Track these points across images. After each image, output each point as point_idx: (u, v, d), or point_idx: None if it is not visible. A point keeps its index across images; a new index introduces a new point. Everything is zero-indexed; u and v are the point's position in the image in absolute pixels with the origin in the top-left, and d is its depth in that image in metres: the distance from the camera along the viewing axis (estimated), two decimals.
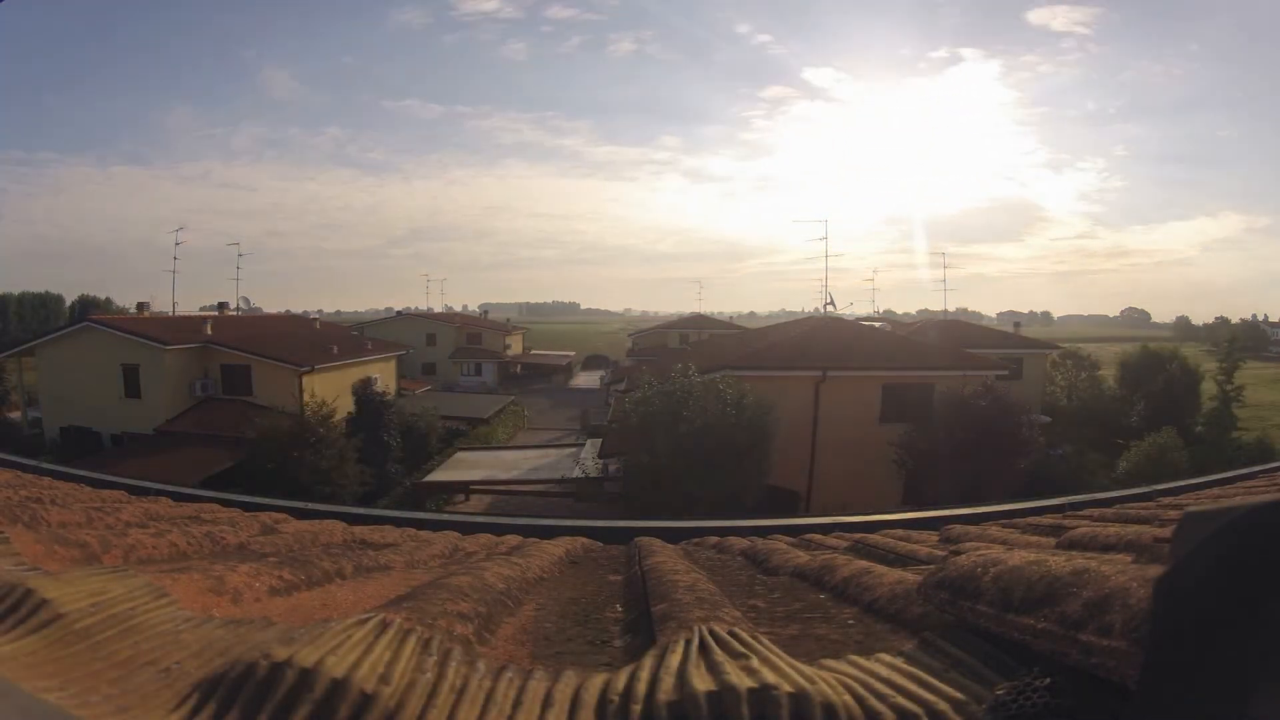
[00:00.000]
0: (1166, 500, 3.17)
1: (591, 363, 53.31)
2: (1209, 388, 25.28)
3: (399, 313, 52.18)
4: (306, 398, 19.44)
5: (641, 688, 0.65)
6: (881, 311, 43.74)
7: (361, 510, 3.82)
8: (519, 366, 47.08)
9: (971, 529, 2.75)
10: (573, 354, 54.78)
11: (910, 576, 1.20)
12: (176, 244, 29.09)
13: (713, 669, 0.67)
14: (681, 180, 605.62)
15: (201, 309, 30.33)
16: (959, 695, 0.65)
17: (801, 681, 0.64)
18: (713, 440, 12.64)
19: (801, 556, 1.93)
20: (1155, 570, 0.56)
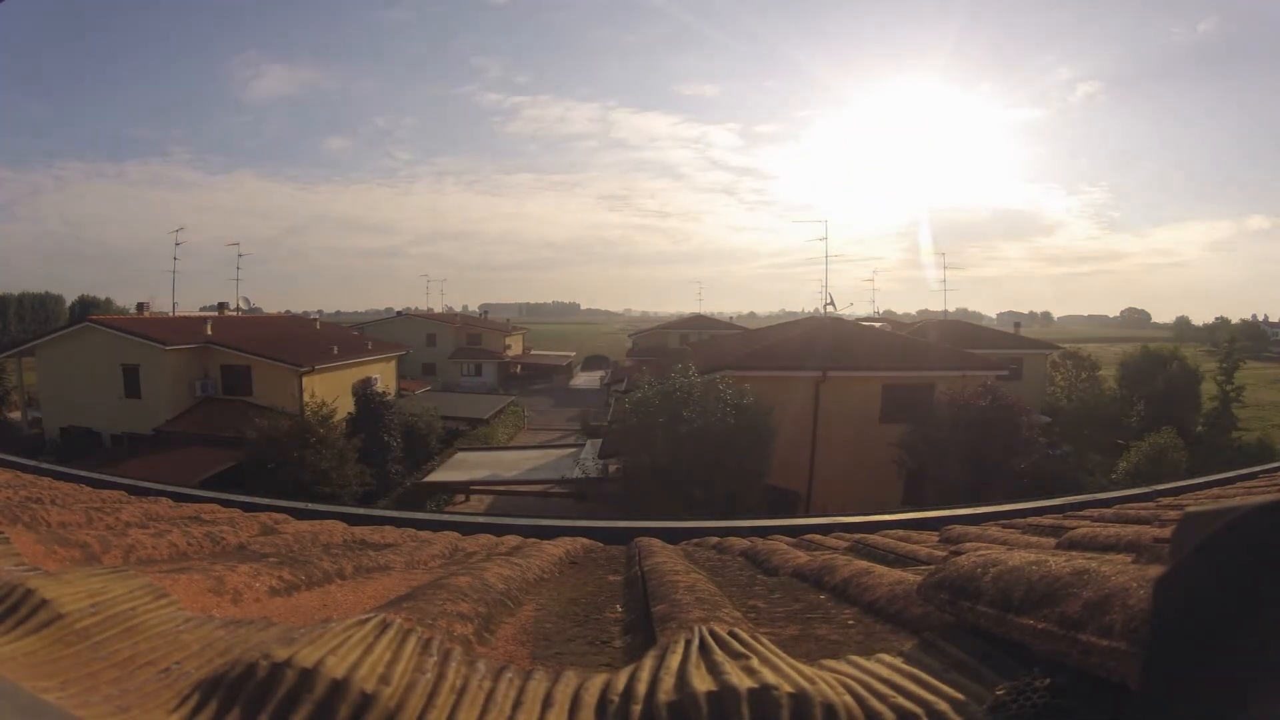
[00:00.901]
0: (1166, 500, 3.17)
1: (591, 363, 53.29)
2: (1209, 388, 25.30)
3: (399, 313, 52.07)
4: (306, 398, 19.48)
5: (641, 688, 0.65)
6: (881, 311, 43.85)
7: (361, 510, 3.82)
8: (519, 367, 47.07)
9: (971, 529, 2.75)
10: (573, 354, 54.78)
11: (910, 577, 1.20)
12: (176, 244, 29.26)
13: (713, 669, 0.67)
14: (726, 176, 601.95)
15: (202, 309, 30.38)
16: (959, 695, 0.65)
17: (801, 682, 0.64)
18: (713, 440, 12.65)
19: (801, 557, 1.93)
20: (1155, 570, 0.56)
